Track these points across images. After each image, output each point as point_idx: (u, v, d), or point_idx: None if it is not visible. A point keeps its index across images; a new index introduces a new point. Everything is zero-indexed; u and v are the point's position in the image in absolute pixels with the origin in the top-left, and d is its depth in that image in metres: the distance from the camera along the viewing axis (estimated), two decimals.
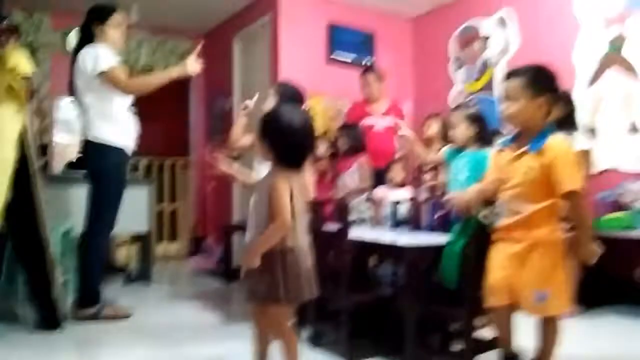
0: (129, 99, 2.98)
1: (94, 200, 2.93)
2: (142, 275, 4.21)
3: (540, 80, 1.89)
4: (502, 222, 1.96)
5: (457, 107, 2.82)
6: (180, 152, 5.94)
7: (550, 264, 1.86)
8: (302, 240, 1.78)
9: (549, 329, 1.94)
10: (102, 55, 2.84)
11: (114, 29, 2.97)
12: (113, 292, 3.45)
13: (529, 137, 1.91)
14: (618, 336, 2.72)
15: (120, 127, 2.93)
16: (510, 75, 1.96)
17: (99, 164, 2.91)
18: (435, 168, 3.41)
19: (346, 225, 2.23)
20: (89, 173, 2.97)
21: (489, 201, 2.01)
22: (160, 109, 5.98)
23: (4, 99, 2.45)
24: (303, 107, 2.99)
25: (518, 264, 1.88)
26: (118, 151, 2.92)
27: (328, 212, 2.73)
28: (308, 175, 2.77)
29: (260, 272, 1.72)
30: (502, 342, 1.98)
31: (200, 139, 5.88)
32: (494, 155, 2.06)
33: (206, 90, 5.87)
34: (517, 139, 1.96)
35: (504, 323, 1.97)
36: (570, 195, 1.80)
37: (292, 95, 2.66)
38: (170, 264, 5.20)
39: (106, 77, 2.82)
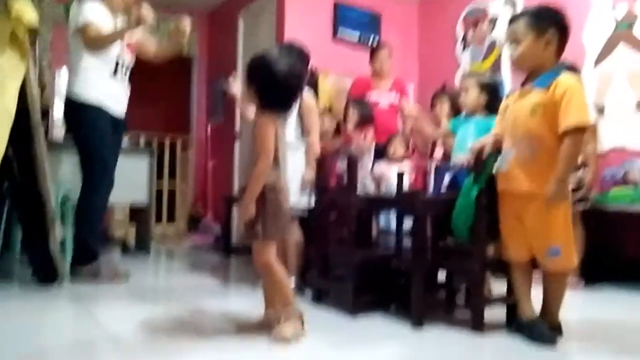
0: (110, 59, 2.88)
1: (80, 160, 2.89)
2: (141, 247, 4.16)
3: (544, 17, 1.85)
4: (505, 170, 1.92)
5: (471, 74, 2.78)
6: (181, 130, 5.89)
7: (563, 217, 1.83)
8: (283, 181, 1.82)
9: (558, 285, 1.92)
10: (84, 10, 2.76)
11: None
12: (111, 260, 3.40)
13: (538, 76, 1.86)
14: (619, 307, 2.69)
15: (97, 86, 2.84)
16: (514, 18, 1.92)
17: (73, 122, 2.87)
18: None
19: (355, 178, 2.18)
20: (70, 132, 2.94)
21: (500, 150, 1.98)
22: (162, 87, 5.96)
23: (7, 47, 2.39)
24: (308, 67, 2.97)
25: (534, 220, 1.86)
26: (94, 109, 2.83)
27: (333, 171, 2.70)
28: (315, 135, 2.77)
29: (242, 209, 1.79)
30: (524, 302, 1.95)
31: (202, 117, 5.83)
32: (502, 103, 2.03)
33: (209, 69, 5.82)
34: (526, 82, 1.92)
35: (523, 280, 1.95)
36: (574, 132, 1.74)
37: (297, 54, 2.61)
38: (167, 241, 5.15)
39: (80, 32, 2.77)
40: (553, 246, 1.83)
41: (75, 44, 2.82)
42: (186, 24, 2.91)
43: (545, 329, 1.87)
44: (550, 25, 1.83)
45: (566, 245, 1.84)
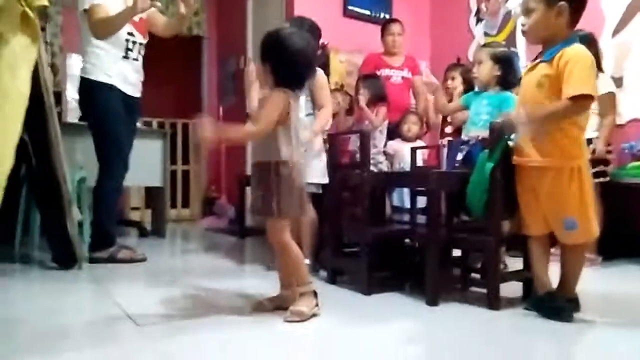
0: (119, 41, 2.85)
1: (95, 142, 2.89)
2: (156, 231, 4.20)
3: None
4: (519, 143, 1.91)
5: (486, 45, 2.72)
6: (193, 112, 5.87)
7: (575, 190, 1.80)
8: (297, 157, 1.81)
9: (575, 258, 1.90)
10: None
11: None
12: (127, 243, 3.44)
13: (550, 48, 1.83)
14: (637, 281, 2.66)
15: (109, 66, 2.84)
16: None
17: (87, 102, 2.86)
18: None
19: (367, 155, 2.16)
20: (83, 114, 2.93)
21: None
22: (172, 70, 5.95)
23: (17, 29, 2.38)
24: (320, 42, 2.93)
25: (548, 193, 1.84)
26: (105, 87, 2.83)
27: (346, 150, 2.68)
28: (328, 109, 2.74)
29: (256, 185, 1.80)
30: (540, 276, 1.93)
31: (213, 99, 5.82)
32: (523, 75, 1.99)
33: (219, 50, 5.79)
34: (540, 55, 1.89)
35: (543, 255, 1.93)
36: (574, 100, 1.71)
37: (308, 29, 2.57)
38: (183, 225, 5.20)
39: (86, 16, 2.75)
40: (568, 218, 1.81)
41: (84, 26, 2.81)
42: None
43: (562, 302, 1.85)
44: None
45: (583, 218, 1.82)
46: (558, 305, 1.84)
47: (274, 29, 1.84)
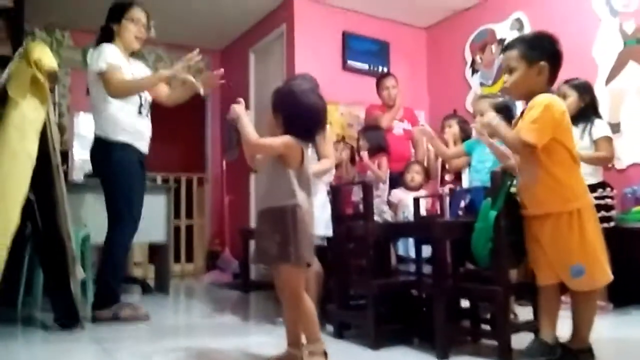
0: (135, 99, 2.93)
1: (107, 199, 2.90)
2: (160, 287, 4.15)
3: (536, 46, 1.90)
4: (517, 193, 1.96)
5: (484, 96, 2.79)
6: (197, 168, 5.96)
7: (578, 235, 1.80)
8: (308, 204, 1.81)
9: (586, 305, 1.87)
10: (104, 53, 2.82)
11: (130, 25, 2.94)
12: (130, 301, 3.40)
13: None
14: None
15: (125, 125, 2.89)
16: (507, 47, 1.97)
17: (103, 160, 2.87)
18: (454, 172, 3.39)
19: (371, 205, 2.17)
20: (97, 171, 2.94)
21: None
22: (177, 127, 6.05)
23: (27, 92, 2.46)
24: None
25: (551, 241, 1.84)
26: (123, 146, 2.87)
27: (349, 202, 2.68)
28: (330, 161, 2.77)
29: (272, 231, 1.74)
30: (544, 326, 1.90)
31: (217, 154, 5.90)
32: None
33: (222, 107, 5.92)
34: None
35: (551, 304, 1.90)
36: (524, 145, 1.80)
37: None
38: (186, 280, 5.15)
39: (102, 77, 2.81)
40: (575, 265, 1.79)
41: (98, 86, 2.86)
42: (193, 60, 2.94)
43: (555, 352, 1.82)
44: (542, 56, 1.87)
45: (591, 263, 1.80)
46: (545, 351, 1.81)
47: (285, 82, 1.89)
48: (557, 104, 1.85)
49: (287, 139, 1.76)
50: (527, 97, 1.91)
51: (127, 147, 2.90)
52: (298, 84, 1.90)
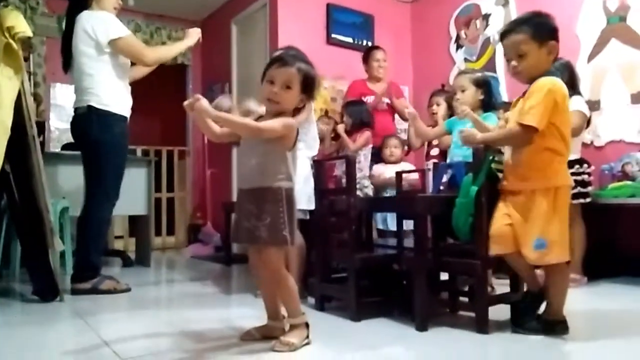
0: (128, 67, 2.90)
1: (96, 172, 2.83)
2: (140, 260, 4.14)
3: (543, 25, 1.88)
4: (503, 172, 1.98)
5: (463, 72, 2.77)
6: (178, 141, 5.88)
7: (547, 211, 1.83)
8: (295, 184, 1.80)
9: (558, 278, 1.91)
10: (112, 21, 2.79)
11: None
12: (111, 273, 3.38)
13: None
14: (622, 302, 2.67)
15: (121, 95, 2.86)
16: (509, 31, 1.92)
17: (102, 133, 2.77)
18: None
19: (353, 180, 2.17)
20: (89, 143, 2.82)
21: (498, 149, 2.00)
22: (157, 99, 5.95)
23: (1, 61, 2.38)
24: None
25: (521, 214, 1.87)
26: (122, 119, 2.84)
27: (331, 176, 2.68)
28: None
29: (259, 211, 1.71)
30: (528, 281, 1.99)
31: (198, 127, 5.81)
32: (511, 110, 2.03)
33: (203, 79, 5.82)
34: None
35: (521, 266, 1.95)
36: (522, 128, 1.82)
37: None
38: (168, 253, 5.13)
39: (123, 43, 2.77)
40: (538, 238, 1.82)
41: (110, 55, 2.79)
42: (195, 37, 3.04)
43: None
44: (551, 34, 1.86)
45: (553, 240, 1.82)
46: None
47: (308, 62, 1.81)
48: (559, 88, 1.83)
49: (288, 120, 1.72)
50: (536, 79, 1.88)
51: (125, 120, 2.88)
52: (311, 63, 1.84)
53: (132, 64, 2.99)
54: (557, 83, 1.84)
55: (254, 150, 1.75)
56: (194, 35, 3.06)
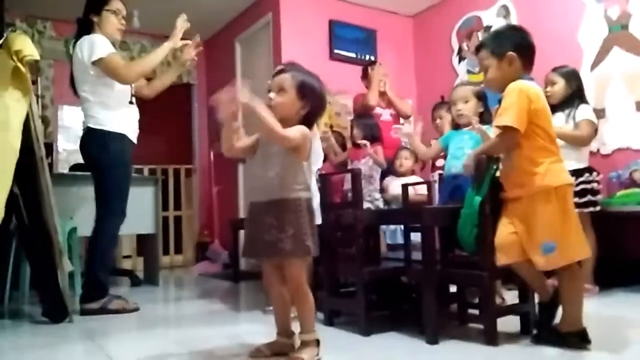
0: (126, 88, 2.91)
1: (100, 190, 2.86)
2: (149, 279, 4.14)
3: (501, 39, 1.98)
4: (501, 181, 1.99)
5: (462, 84, 2.79)
6: (184, 159, 5.92)
7: (551, 213, 1.82)
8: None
9: (572, 287, 1.88)
10: (97, 43, 2.80)
11: (111, 17, 2.91)
12: (120, 293, 3.38)
13: None
14: (635, 308, 2.64)
15: (119, 115, 2.87)
16: (478, 49, 2.04)
17: (99, 151, 2.83)
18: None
19: (360, 192, 2.17)
20: (91, 162, 2.89)
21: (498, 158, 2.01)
22: (163, 118, 6.00)
23: (9, 84, 2.41)
24: None
25: (524, 220, 1.86)
26: (119, 137, 2.85)
27: (339, 190, 2.68)
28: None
29: (281, 223, 1.68)
30: (539, 291, 1.98)
31: (204, 145, 5.86)
32: None
33: (209, 97, 5.86)
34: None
35: (530, 275, 1.94)
36: (502, 131, 1.87)
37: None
38: (176, 272, 5.13)
39: (103, 65, 2.77)
40: (546, 242, 1.81)
41: (98, 77, 2.82)
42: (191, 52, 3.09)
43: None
44: (508, 47, 1.93)
45: (562, 241, 1.80)
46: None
47: (308, 72, 1.82)
48: (528, 87, 1.90)
49: (305, 130, 1.73)
50: (503, 90, 1.95)
51: (123, 138, 2.88)
52: (316, 76, 1.85)
53: (149, 79, 3.04)
54: (526, 84, 1.91)
55: (270, 161, 1.74)
56: (178, 27, 2.98)
